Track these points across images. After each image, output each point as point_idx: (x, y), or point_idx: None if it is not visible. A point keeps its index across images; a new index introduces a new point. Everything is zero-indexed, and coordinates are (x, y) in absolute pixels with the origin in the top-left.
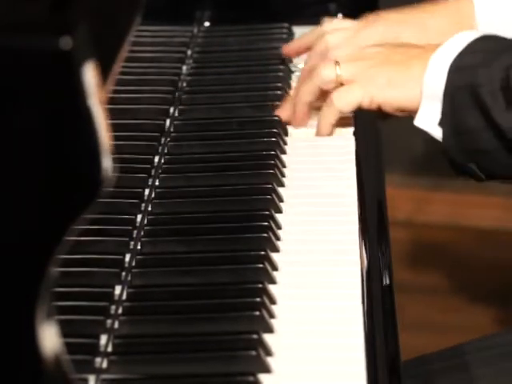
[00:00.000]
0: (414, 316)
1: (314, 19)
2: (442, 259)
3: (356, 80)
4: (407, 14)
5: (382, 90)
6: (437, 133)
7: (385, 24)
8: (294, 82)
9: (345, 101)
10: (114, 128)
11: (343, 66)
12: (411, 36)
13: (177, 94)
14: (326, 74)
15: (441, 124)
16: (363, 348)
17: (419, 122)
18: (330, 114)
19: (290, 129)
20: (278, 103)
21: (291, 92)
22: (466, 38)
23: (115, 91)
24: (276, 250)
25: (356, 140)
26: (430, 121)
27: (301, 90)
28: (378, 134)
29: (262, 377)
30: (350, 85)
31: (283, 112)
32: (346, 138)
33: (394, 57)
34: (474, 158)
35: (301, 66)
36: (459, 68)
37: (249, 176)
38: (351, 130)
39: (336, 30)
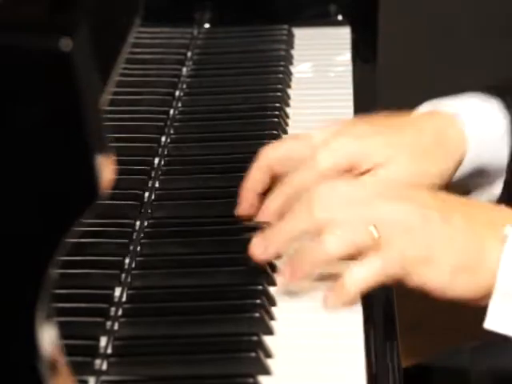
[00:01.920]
0: (413, 316)
1: (314, 21)
2: None
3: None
4: (379, 128)
5: (435, 272)
6: None
7: (353, 137)
8: (294, 84)
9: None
10: (114, 130)
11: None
12: (383, 151)
13: (177, 95)
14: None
15: None
16: (363, 349)
17: (493, 323)
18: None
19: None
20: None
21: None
22: None
23: (115, 93)
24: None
25: None
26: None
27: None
28: None
29: (262, 379)
30: (372, 257)
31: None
32: None
33: (452, 222)
34: None
35: (301, 67)
36: None
37: None
38: None
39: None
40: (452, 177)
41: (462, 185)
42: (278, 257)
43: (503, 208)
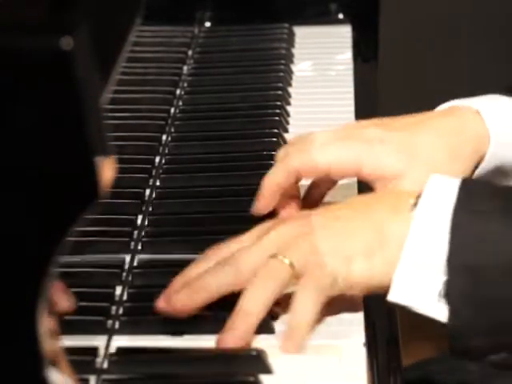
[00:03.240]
0: (414, 316)
1: (314, 19)
2: None
3: (306, 271)
4: (390, 132)
5: (344, 265)
6: (431, 310)
7: (363, 141)
8: (294, 83)
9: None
10: (115, 128)
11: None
12: (394, 160)
13: (177, 94)
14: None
15: (450, 299)
16: (364, 348)
17: (396, 295)
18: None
19: None
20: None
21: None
22: (447, 186)
23: (116, 91)
24: None
25: None
26: (415, 295)
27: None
28: None
29: (263, 377)
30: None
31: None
32: None
33: (351, 217)
34: (504, 339)
35: (301, 66)
36: (471, 226)
37: (249, 176)
38: None
39: None
40: (472, 174)
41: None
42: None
43: (400, 192)
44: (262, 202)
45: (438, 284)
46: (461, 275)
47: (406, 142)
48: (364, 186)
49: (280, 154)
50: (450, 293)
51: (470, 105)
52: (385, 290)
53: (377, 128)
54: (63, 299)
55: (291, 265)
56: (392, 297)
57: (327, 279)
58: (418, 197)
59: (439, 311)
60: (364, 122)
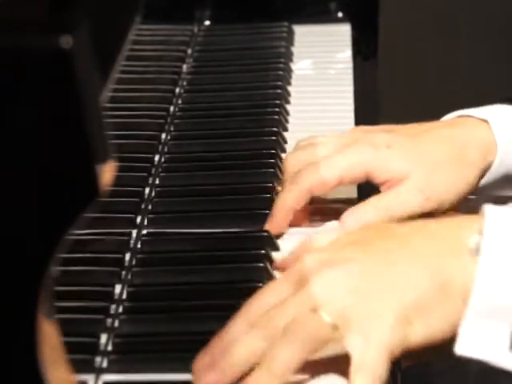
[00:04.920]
0: None
1: (314, 18)
2: None
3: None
4: (397, 137)
5: (402, 328)
6: (503, 360)
7: (370, 146)
8: (294, 81)
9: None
10: (115, 127)
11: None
12: (400, 164)
13: (177, 92)
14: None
15: None
16: None
17: (465, 348)
18: None
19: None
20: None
21: None
22: (509, 220)
23: (115, 90)
24: (276, 248)
25: None
26: (484, 346)
27: None
28: None
29: None
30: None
31: None
32: None
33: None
34: None
35: (301, 65)
36: None
37: (249, 175)
38: None
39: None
40: (478, 183)
41: (489, 191)
42: None
43: (463, 220)
44: (275, 224)
45: (507, 333)
46: None
47: (412, 147)
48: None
49: (288, 168)
50: None
51: (477, 114)
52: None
53: (383, 134)
54: None
55: (334, 326)
56: (459, 350)
57: (384, 349)
58: (480, 233)
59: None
60: (370, 128)
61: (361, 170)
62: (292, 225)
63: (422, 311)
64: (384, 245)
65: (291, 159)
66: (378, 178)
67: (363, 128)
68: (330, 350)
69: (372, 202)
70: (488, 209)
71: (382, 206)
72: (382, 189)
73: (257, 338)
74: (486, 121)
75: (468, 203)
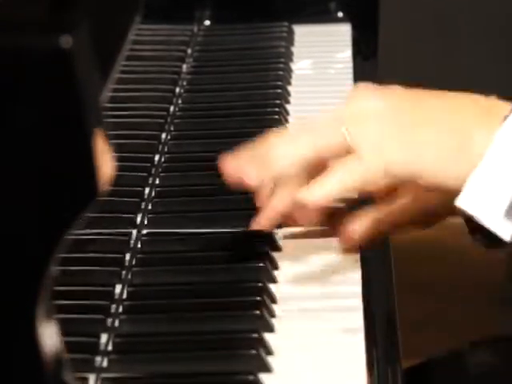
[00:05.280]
0: (415, 316)
1: (314, 18)
2: (442, 256)
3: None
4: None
5: (427, 165)
6: (495, 225)
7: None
8: (294, 81)
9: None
10: (115, 126)
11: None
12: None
13: (177, 92)
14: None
15: None
16: (364, 348)
17: (466, 203)
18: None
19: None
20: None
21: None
22: None
23: (115, 90)
24: (277, 248)
25: None
26: (484, 206)
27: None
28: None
29: (263, 376)
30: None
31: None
32: None
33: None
34: None
35: (301, 64)
36: None
37: None
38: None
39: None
40: None
41: None
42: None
43: (492, 98)
44: (263, 223)
45: (508, 198)
46: None
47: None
48: None
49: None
50: None
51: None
52: (446, 196)
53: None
54: None
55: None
56: (461, 202)
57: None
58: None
59: (503, 228)
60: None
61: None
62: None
63: (437, 149)
64: (426, 99)
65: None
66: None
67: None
68: None
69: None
70: None
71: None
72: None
73: (302, 139)
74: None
75: None
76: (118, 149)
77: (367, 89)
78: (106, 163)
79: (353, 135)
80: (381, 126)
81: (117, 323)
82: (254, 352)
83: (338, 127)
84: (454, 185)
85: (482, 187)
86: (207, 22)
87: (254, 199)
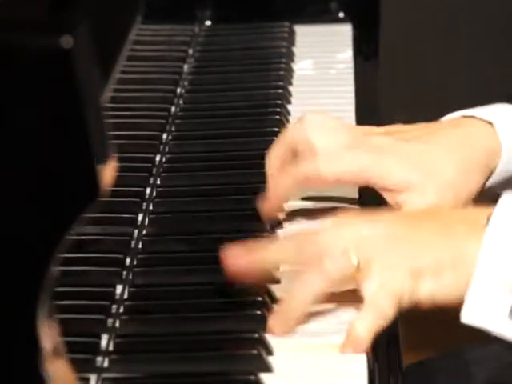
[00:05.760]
0: (416, 314)
1: (315, 18)
2: None
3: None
4: (398, 142)
5: (413, 280)
6: (503, 329)
7: (369, 151)
8: (295, 81)
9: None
10: (116, 127)
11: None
12: (402, 171)
13: (178, 92)
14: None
15: None
16: None
17: (471, 317)
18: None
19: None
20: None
21: None
22: None
23: (116, 90)
24: None
25: None
26: (488, 316)
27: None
28: None
29: (263, 376)
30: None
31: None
32: None
33: (428, 229)
34: None
35: (302, 65)
36: None
37: (250, 175)
38: None
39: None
40: (483, 186)
41: (493, 192)
42: None
43: (476, 208)
44: (269, 208)
45: (509, 302)
46: None
47: (416, 155)
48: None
49: (284, 137)
50: None
51: (481, 115)
52: (452, 307)
53: (385, 137)
54: None
55: (358, 267)
56: (465, 318)
57: (395, 292)
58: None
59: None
60: (371, 129)
61: (360, 177)
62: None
63: (434, 271)
64: (411, 217)
65: (287, 136)
66: (378, 185)
67: (362, 129)
68: (346, 287)
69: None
70: (505, 194)
71: None
72: (385, 196)
73: (291, 246)
74: (490, 123)
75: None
76: (119, 149)
77: (355, 216)
78: (107, 163)
79: (361, 261)
80: (386, 254)
81: (118, 323)
82: (254, 352)
83: (347, 256)
84: (448, 300)
85: (483, 299)
86: (208, 22)
87: (255, 199)
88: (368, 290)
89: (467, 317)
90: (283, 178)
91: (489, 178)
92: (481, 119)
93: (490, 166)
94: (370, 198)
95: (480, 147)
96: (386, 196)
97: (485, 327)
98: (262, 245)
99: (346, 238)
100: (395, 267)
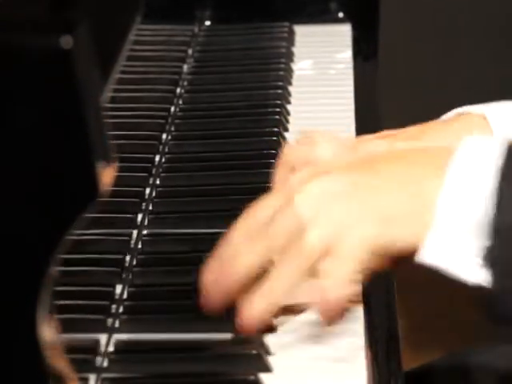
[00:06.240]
0: (417, 318)
1: (314, 18)
2: None
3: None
4: (395, 142)
5: (379, 228)
6: (466, 273)
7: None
8: (294, 82)
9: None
10: (115, 127)
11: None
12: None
13: (177, 92)
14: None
15: (493, 264)
16: (364, 349)
17: (429, 256)
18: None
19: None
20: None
21: None
22: (487, 142)
23: (116, 90)
24: None
25: None
26: (449, 257)
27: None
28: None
29: (263, 376)
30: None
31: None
32: None
33: (377, 179)
34: None
35: (301, 65)
36: None
37: (250, 175)
38: None
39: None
40: None
41: None
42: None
43: (438, 148)
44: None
45: (476, 247)
46: (507, 239)
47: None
48: None
49: (284, 158)
50: (494, 256)
51: (476, 111)
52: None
53: (381, 141)
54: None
55: (321, 241)
56: (422, 256)
57: (354, 254)
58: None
59: (475, 274)
60: (368, 136)
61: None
62: None
63: (398, 217)
64: (375, 162)
65: (289, 152)
66: None
67: (360, 138)
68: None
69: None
70: (467, 137)
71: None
72: None
73: (257, 253)
74: (484, 117)
75: None
76: (118, 149)
77: (314, 173)
78: (107, 163)
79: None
80: (344, 205)
81: (117, 323)
82: (254, 352)
83: (306, 238)
84: (413, 236)
85: (444, 240)
86: (208, 22)
87: (254, 200)
88: (344, 248)
89: (426, 256)
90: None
91: None
92: (474, 113)
93: None
94: None
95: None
96: None
97: (443, 267)
98: (228, 262)
99: (297, 212)
100: (358, 220)
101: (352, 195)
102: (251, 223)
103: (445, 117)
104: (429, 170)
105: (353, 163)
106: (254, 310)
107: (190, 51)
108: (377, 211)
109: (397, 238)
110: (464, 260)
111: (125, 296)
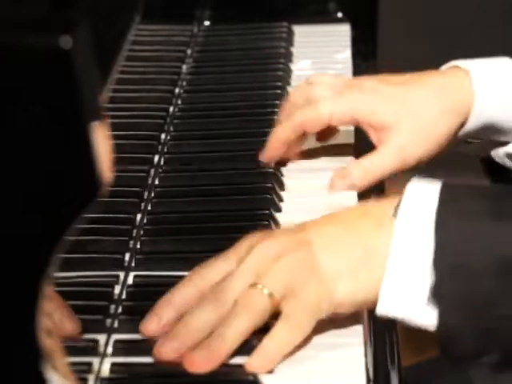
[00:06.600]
0: None
1: (313, 18)
2: None
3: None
4: (386, 85)
5: (329, 285)
6: (419, 316)
7: (360, 92)
8: (293, 82)
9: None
10: (114, 127)
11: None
12: (386, 110)
13: (176, 93)
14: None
15: (437, 301)
16: (363, 347)
17: (385, 308)
18: None
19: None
20: (277, 106)
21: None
22: (427, 190)
23: (115, 90)
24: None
25: None
26: (403, 304)
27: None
28: None
29: (263, 377)
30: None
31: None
32: None
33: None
34: (494, 341)
35: (300, 65)
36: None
37: (248, 175)
38: None
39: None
40: (457, 132)
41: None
42: None
43: (379, 201)
44: (269, 155)
45: (425, 289)
46: (448, 276)
47: (397, 95)
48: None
49: (289, 100)
50: (438, 294)
51: (463, 65)
52: (372, 306)
53: (372, 81)
54: (67, 323)
55: (271, 295)
56: (380, 310)
57: (310, 306)
58: (398, 205)
59: (428, 316)
60: (363, 77)
61: (348, 111)
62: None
63: (350, 271)
64: (322, 224)
65: (293, 92)
66: (363, 121)
67: (355, 78)
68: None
69: (355, 165)
70: (410, 184)
71: (366, 170)
72: (371, 137)
73: (210, 310)
74: (467, 71)
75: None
76: (117, 149)
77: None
78: (106, 163)
79: (275, 292)
80: (295, 267)
81: (116, 324)
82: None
83: (258, 291)
84: (368, 297)
85: (397, 289)
86: (207, 23)
87: (254, 199)
88: (285, 307)
89: (383, 308)
90: (282, 128)
91: (463, 124)
92: (461, 67)
93: (462, 109)
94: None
95: (454, 92)
96: (371, 135)
97: (401, 317)
98: (184, 323)
99: (249, 269)
100: (306, 281)
101: (297, 254)
102: (204, 278)
103: (444, 67)
104: (374, 223)
105: (297, 230)
106: (204, 356)
107: (188, 51)
108: (325, 271)
109: (348, 292)
110: (415, 304)
111: (124, 296)
